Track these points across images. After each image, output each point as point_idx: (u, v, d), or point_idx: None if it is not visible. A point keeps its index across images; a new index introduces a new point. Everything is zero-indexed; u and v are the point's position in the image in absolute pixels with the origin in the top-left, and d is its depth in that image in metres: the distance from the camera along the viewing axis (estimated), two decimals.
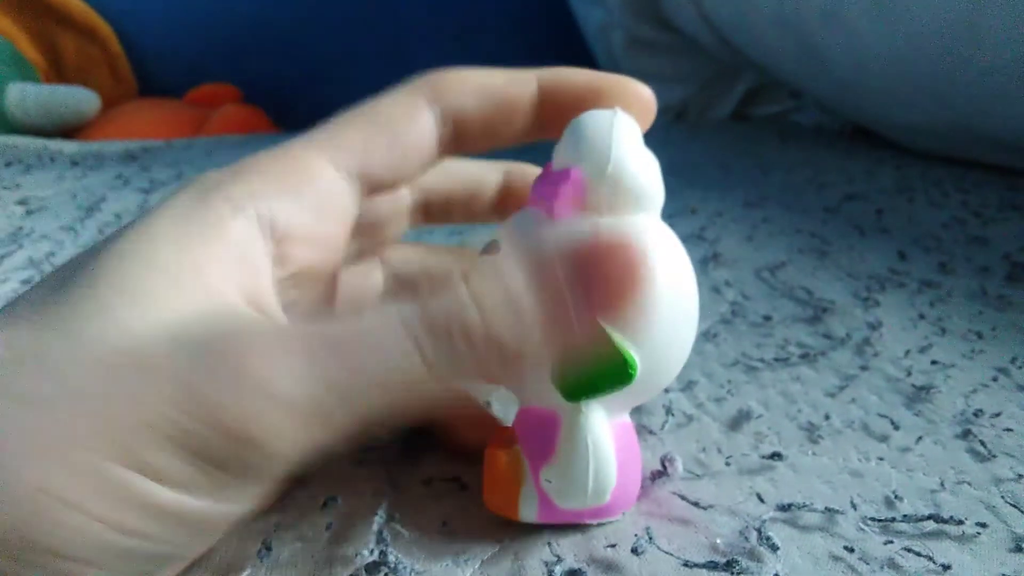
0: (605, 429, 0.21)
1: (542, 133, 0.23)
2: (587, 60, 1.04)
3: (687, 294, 0.20)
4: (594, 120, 0.20)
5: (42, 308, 0.16)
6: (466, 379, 0.17)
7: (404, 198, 0.25)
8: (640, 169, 0.19)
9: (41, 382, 0.14)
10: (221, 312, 0.16)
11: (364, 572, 0.21)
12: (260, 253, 0.18)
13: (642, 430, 0.27)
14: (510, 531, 0.22)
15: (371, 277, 0.25)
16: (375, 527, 0.22)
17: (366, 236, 0.24)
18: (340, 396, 0.16)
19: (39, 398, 0.14)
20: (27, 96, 0.83)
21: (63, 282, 0.16)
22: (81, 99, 0.87)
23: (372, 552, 0.21)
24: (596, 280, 0.18)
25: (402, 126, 0.21)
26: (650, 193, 0.20)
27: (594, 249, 0.18)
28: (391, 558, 0.21)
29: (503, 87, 0.22)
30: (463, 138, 0.22)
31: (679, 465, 0.24)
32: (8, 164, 0.68)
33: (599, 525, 0.22)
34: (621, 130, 0.20)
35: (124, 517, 0.15)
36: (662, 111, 0.98)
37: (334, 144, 0.20)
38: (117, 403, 0.14)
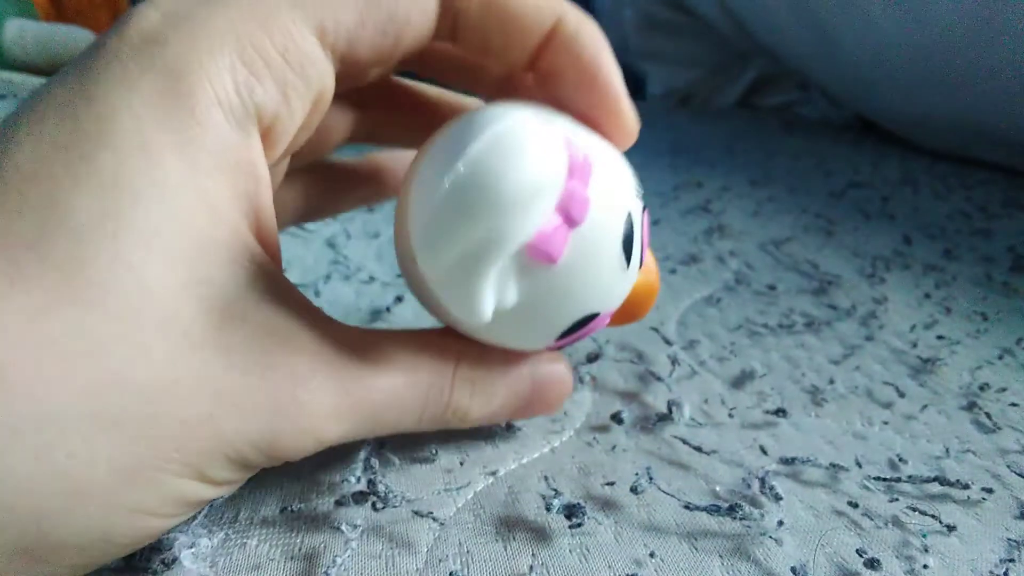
0: None
1: (535, 79, 0.20)
2: None
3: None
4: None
5: (43, 260, 0.13)
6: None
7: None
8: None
9: (108, 398, 0.14)
10: (250, 284, 0.16)
11: (351, 499, 0.20)
12: (259, 162, 0.17)
13: (649, 376, 0.27)
14: (505, 463, 0.21)
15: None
16: (363, 454, 0.21)
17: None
18: (367, 431, 0.18)
19: (111, 417, 0.14)
20: (25, 32, 0.81)
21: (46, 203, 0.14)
22: (80, 39, 0.85)
23: (359, 480, 0.20)
24: None
25: (403, 5, 0.17)
26: None
27: None
28: (380, 487, 0.20)
29: (517, 5, 0.18)
30: (460, 36, 0.19)
31: (686, 411, 0.24)
32: (2, 97, 0.67)
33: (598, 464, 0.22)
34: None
35: (166, 513, 0.16)
36: (667, 95, 0.98)
37: (324, 14, 0.17)
38: (185, 427, 0.15)
